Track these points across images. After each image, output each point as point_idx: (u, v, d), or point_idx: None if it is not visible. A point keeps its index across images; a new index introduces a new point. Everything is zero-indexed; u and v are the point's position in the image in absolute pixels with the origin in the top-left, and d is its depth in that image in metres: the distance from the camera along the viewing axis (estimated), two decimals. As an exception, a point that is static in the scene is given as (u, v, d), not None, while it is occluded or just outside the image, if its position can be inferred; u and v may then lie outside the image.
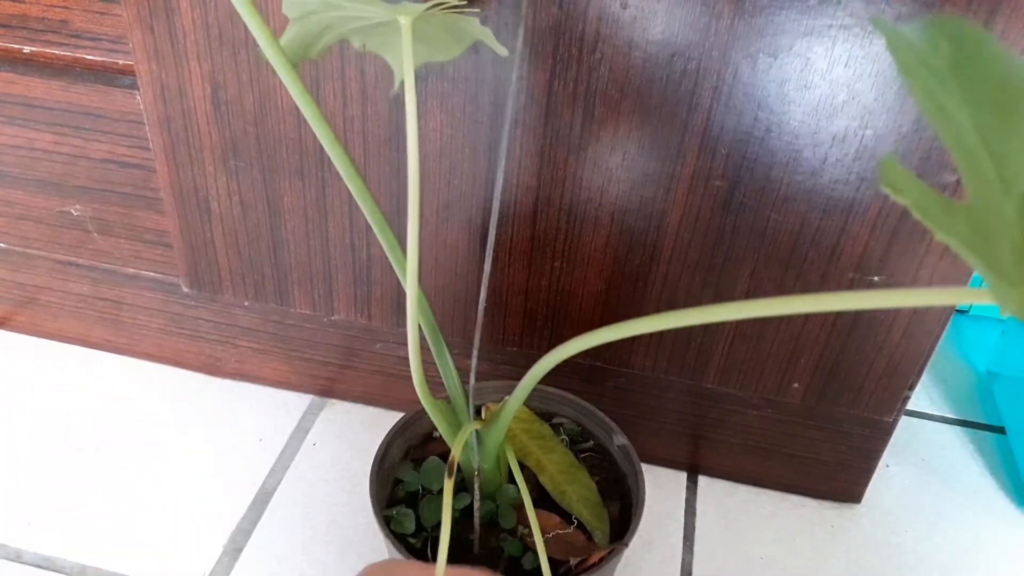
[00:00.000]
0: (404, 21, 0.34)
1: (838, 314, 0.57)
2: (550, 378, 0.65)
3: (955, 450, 0.73)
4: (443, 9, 0.37)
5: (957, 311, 0.86)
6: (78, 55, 0.60)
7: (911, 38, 0.19)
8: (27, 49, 0.61)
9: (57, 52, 0.60)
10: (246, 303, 0.69)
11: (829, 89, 0.48)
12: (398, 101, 0.54)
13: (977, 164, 0.18)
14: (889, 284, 0.54)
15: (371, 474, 0.50)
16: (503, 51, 0.37)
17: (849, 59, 0.46)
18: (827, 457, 0.65)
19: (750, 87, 0.48)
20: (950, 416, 0.77)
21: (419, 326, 0.44)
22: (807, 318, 0.57)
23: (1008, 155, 0.18)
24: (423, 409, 0.48)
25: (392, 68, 0.39)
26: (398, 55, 0.35)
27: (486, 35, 0.35)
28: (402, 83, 0.35)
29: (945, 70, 0.19)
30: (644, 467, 0.69)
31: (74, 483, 0.66)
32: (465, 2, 0.43)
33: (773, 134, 0.50)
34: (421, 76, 0.53)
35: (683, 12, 0.47)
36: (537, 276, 0.60)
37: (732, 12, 0.46)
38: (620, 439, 0.55)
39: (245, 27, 0.53)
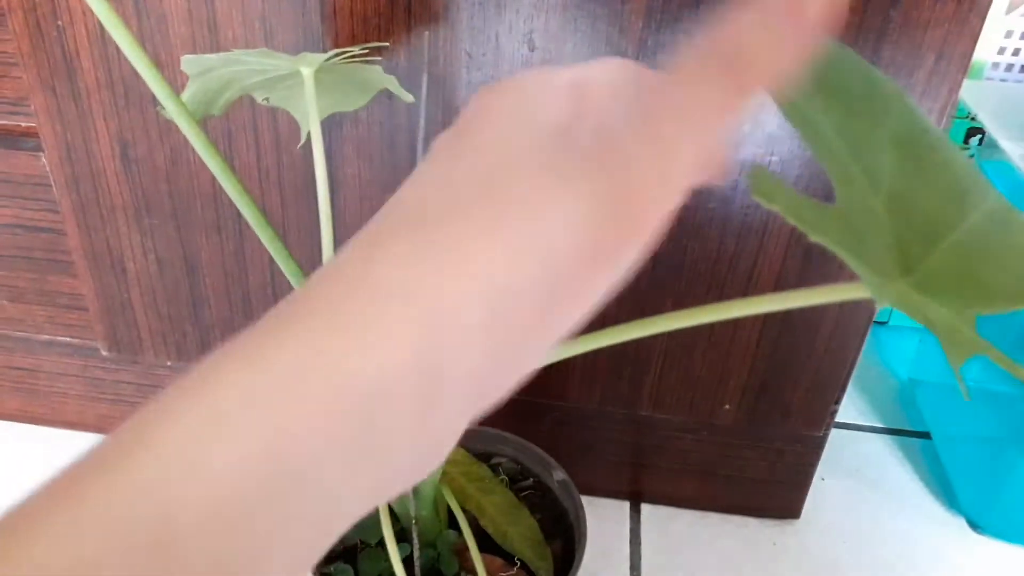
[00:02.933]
0: (306, 72, 0.34)
1: (761, 334, 0.58)
2: (486, 417, 0.65)
3: (885, 458, 0.75)
4: (346, 59, 0.37)
5: (876, 322, 0.89)
6: (-23, 119, 0.58)
7: None
8: (-78, 115, 0.59)
9: (-46, 117, 0.58)
10: (169, 363, 0.67)
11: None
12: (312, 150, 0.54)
13: (845, 168, 0.19)
14: (807, 302, 0.56)
15: (306, 531, 0.49)
16: (409, 98, 0.37)
17: (750, 89, 0.48)
18: (764, 475, 0.66)
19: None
20: (878, 425, 0.79)
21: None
22: (733, 339, 0.58)
23: (871, 157, 0.19)
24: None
25: (299, 120, 0.39)
26: (302, 107, 0.35)
27: (390, 83, 0.35)
28: (309, 134, 0.35)
29: (808, 83, 0.20)
30: (586, 500, 0.69)
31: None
32: (367, 51, 0.43)
33: (684, 164, 0.51)
34: (335, 123, 0.52)
35: (589, 52, 0.48)
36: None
37: (636, 51, 0.48)
38: (560, 474, 0.55)
39: (152, 83, 0.53)
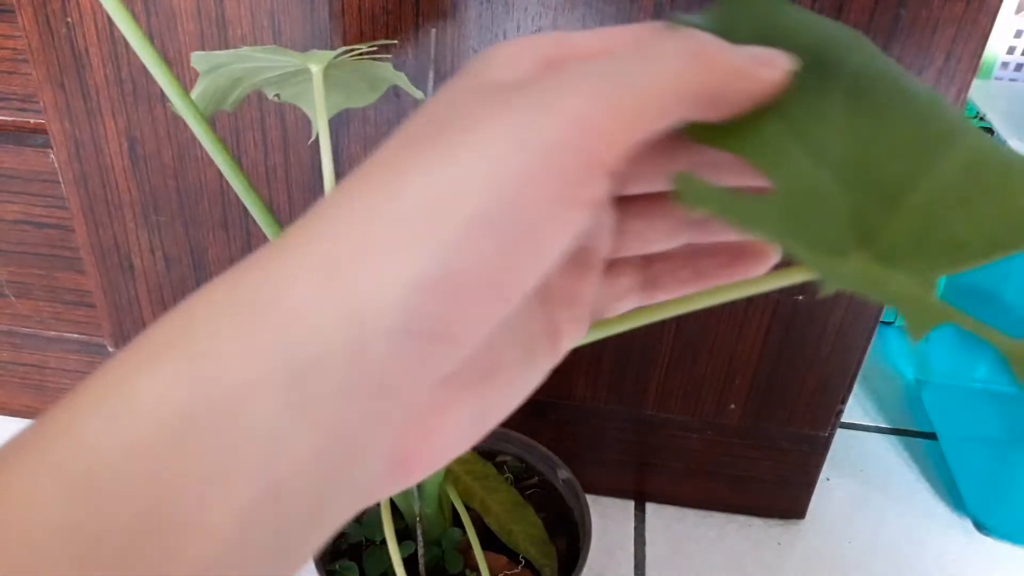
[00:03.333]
0: (315, 69, 0.34)
1: (767, 334, 0.58)
2: (492, 416, 0.65)
3: (891, 458, 0.75)
4: (354, 56, 0.37)
5: (883, 323, 0.89)
6: (-14, 115, 0.58)
7: (705, 25, 0.19)
8: (-69, 111, 0.59)
9: (-36, 113, 0.59)
10: (176, 359, 0.67)
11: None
12: (319, 148, 0.54)
13: (779, 153, 0.17)
14: (811, 302, 0.56)
15: (311, 528, 0.49)
16: (419, 94, 0.37)
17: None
18: (769, 475, 0.66)
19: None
20: (884, 426, 0.79)
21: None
22: (738, 339, 0.58)
23: (817, 127, 0.18)
24: (361, 457, 0.47)
25: (309, 117, 0.39)
26: (312, 103, 0.35)
27: (400, 80, 0.35)
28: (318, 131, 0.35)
29: (753, 41, 0.18)
30: (591, 499, 0.69)
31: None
32: (377, 49, 0.43)
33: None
34: (343, 121, 0.53)
35: (596, 49, 0.48)
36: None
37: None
38: (564, 473, 0.55)
39: (160, 80, 0.53)
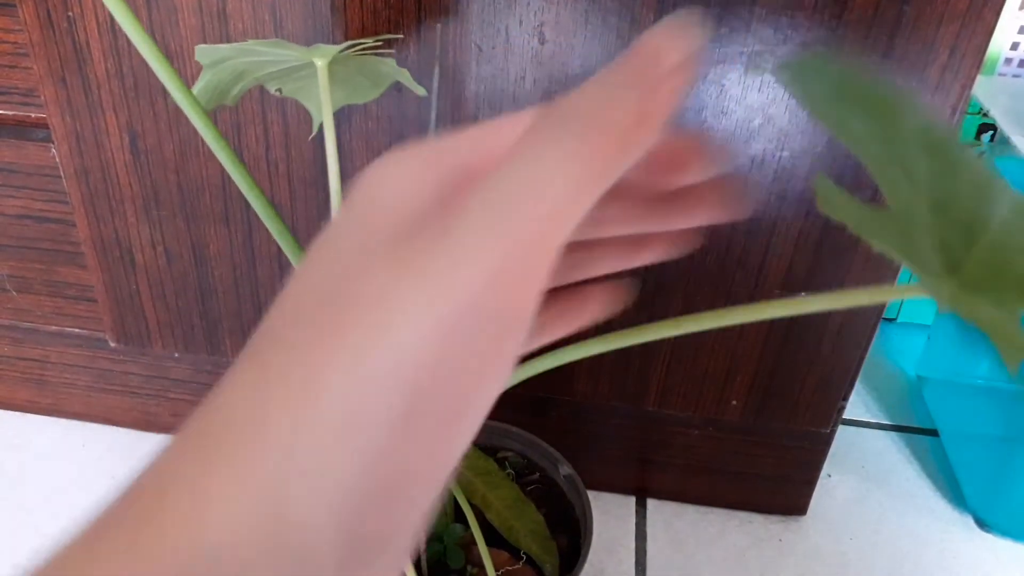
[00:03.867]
0: (320, 63, 0.34)
1: (769, 331, 0.58)
2: (493, 412, 0.64)
3: (892, 455, 0.75)
4: (359, 51, 0.37)
5: (884, 319, 0.89)
6: (-13, 109, 0.58)
7: (799, 72, 0.20)
8: (-68, 105, 0.59)
9: (-36, 107, 0.58)
10: (176, 355, 0.67)
11: (745, 114, 0.49)
12: (322, 142, 0.54)
13: (889, 171, 0.19)
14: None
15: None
16: (421, 91, 0.37)
17: (762, 84, 0.48)
18: (770, 472, 0.66)
19: (669, 116, 0.49)
20: (885, 422, 0.79)
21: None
22: (740, 337, 0.58)
23: (907, 158, 0.19)
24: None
25: (311, 112, 0.39)
26: (315, 99, 0.35)
27: (403, 76, 0.35)
28: (322, 126, 0.35)
29: (831, 95, 0.19)
30: (592, 495, 0.69)
31: (-1, 555, 0.62)
32: (381, 44, 0.43)
33: (694, 159, 0.51)
34: (345, 116, 0.52)
35: (599, 45, 0.48)
36: (473, 310, 0.60)
37: (646, 43, 0.47)
38: (566, 469, 0.55)
39: (161, 75, 0.53)
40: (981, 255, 0.19)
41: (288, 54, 0.34)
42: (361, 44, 0.36)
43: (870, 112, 0.20)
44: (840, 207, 0.17)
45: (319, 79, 0.34)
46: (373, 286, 0.15)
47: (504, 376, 0.16)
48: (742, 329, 0.58)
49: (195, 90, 0.36)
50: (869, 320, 0.56)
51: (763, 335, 0.58)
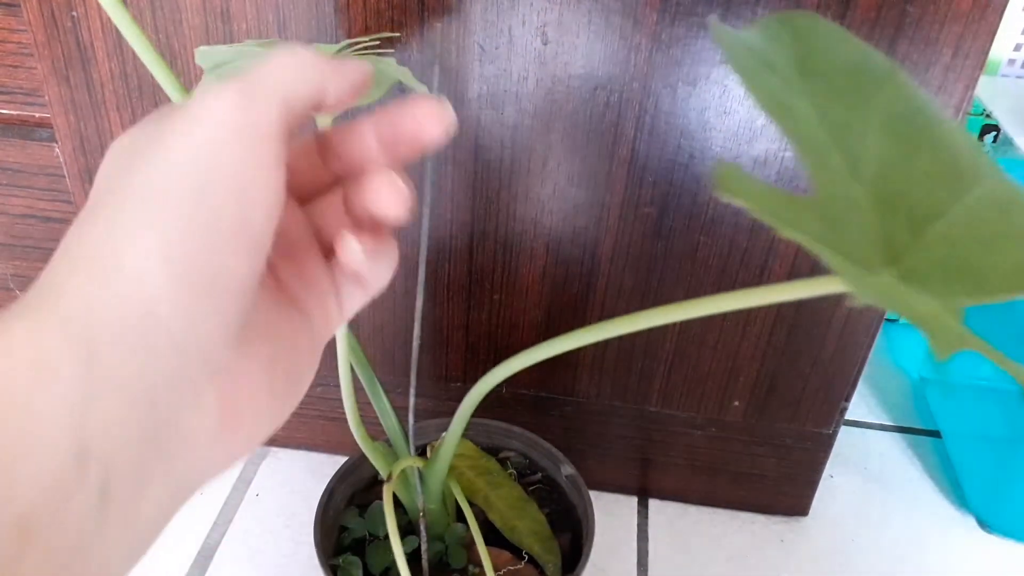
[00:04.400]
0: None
1: (771, 331, 0.58)
2: (495, 412, 0.65)
3: (895, 456, 0.75)
4: (357, 50, 0.37)
5: (887, 320, 0.89)
6: (-9, 109, 0.58)
7: (749, 40, 0.19)
8: (-63, 105, 0.59)
9: (-31, 107, 0.59)
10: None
11: (747, 114, 0.49)
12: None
13: (823, 156, 0.18)
14: (817, 300, 0.55)
15: (315, 523, 0.49)
16: (423, 89, 0.37)
17: (764, 84, 0.48)
18: (772, 472, 0.66)
19: (672, 116, 0.50)
20: (888, 423, 0.79)
21: (351, 367, 0.44)
22: (742, 336, 0.58)
23: (856, 142, 0.18)
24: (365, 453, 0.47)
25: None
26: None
27: (405, 75, 0.35)
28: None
29: (786, 65, 0.19)
30: (594, 494, 0.69)
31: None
32: (379, 43, 0.43)
33: (697, 160, 0.51)
34: (347, 116, 0.52)
35: (602, 46, 0.48)
36: (476, 310, 0.60)
37: (649, 44, 0.47)
38: (568, 469, 0.55)
39: (165, 75, 0.53)
40: (931, 245, 0.18)
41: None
42: (360, 43, 0.36)
43: (830, 84, 0.19)
44: (745, 191, 0.16)
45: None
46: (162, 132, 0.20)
47: (273, 175, 0.20)
48: (744, 329, 0.58)
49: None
50: (871, 320, 0.56)
51: (765, 336, 0.58)
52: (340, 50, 0.35)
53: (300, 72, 0.21)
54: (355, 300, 0.26)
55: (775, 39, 0.19)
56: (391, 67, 0.35)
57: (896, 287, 0.17)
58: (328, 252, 0.25)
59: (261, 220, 0.20)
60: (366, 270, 0.24)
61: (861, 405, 0.80)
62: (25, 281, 0.66)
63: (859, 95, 0.19)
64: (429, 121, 0.23)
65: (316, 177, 0.25)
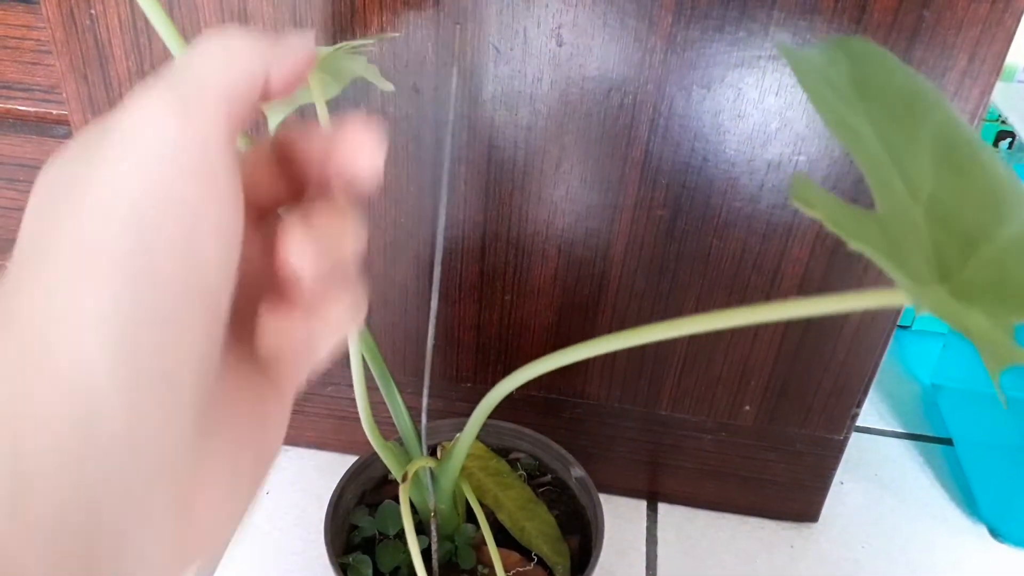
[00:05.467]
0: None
1: (783, 337, 0.58)
2: (506, 413, 0.65)
3: (906, 463, 0.75)
4: (349, 49, 0.37)
5: (900, 327, 0.89)
6: (9, 106, 0.59)
7: (813, 60, 0.20)
8: (-44, 101, 0.60)
9: (-13, 104, 0.59)
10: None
11: (762, 118, 0.49)
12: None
13: (884, 175, 0.19)
14: (831, 304, 0.55)
15: (325, 522, 0.49)
16: (388, 86, 0.37)
17: (780, 88, 0.48)
18: (782, 478, 0.66)
19: (686, 118, 0.50)
20: (899, 430, 0.78)
21: (364, 365, 0.44)
22: (754, 341, 0.58)
23: (911, 163, 0.19)
24: (377, 452, 0.48)
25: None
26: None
27: (370, 72, 0.36)
28: (279, 123, 0.35)
29: (846, 87, 0.19)
30: (603, 497, 0.69)
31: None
32: (372, 42, 0.43)
33: (710, 163, 0.51)
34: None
35: (617, 48, 0.48)
36: (488, 310, 0.60)
37: (664, 47, 0.47)
38: (578, 471, 0.55)
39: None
40: (980, 266, 0.19)
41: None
42: (348, 45, 0.36)
43: (885, 108, 0.20)
44: (817, 202, 0.17)
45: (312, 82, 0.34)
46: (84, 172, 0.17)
47: (225, 197, 0.17)
48: (756, 334, 0.58)
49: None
50: (884, 327, 0.56)
51: (777, 340, 0.58)
52: (334, 51, 0.36)
53: (238, 60, 0.18)
54: (326, 341, 0.21)
55: (833, 61, 0.20)
56: (356, 63, 0.35)
57: (951, 303, 0.18)
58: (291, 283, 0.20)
59: (218, 265, 0.17)
60: (320, 285, 0.20)
61: (872, 411, 0.80)
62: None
63: (912, 119, 0.20)
64: (360, 152, 0.19)
65: (273, 190, 0.21)
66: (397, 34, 0.49)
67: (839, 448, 0.63)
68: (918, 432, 0.78)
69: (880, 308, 0.55)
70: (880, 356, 0.57)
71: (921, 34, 0.45)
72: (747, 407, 0.61)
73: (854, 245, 0.17)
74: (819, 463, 0.64)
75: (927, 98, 0.21)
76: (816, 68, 0.20)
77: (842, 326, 0.56)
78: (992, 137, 0.78)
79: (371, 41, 0.40)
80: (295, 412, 0.70)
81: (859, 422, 0.77)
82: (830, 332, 0.57)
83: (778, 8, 0.45)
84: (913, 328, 0.89)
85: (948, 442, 0.77)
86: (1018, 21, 0.44)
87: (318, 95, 0.33)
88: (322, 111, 0.33)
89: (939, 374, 0.82)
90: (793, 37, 0.46)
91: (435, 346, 0.62)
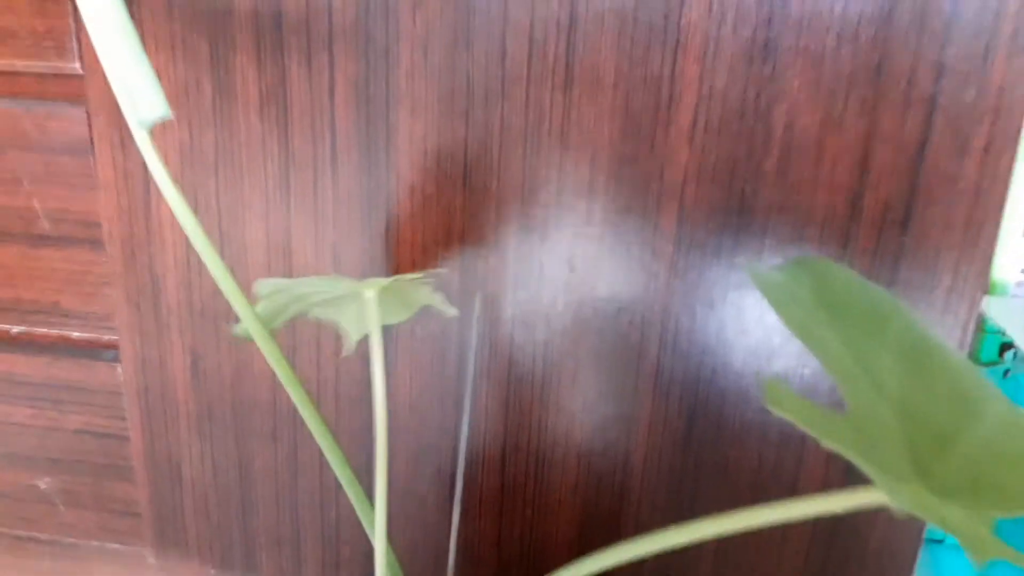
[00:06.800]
0: (370, 293, 0.38)
1: (806, 559, 0.57)
2: (528, 636, 0.62)
3: None
4: (414, 281, 0.41)
5: (932, 541, 0.86)
6: (65, 333, 0.64)
7: (778, 279, 0.22)
8: (15, 330, 0.65)
9: (45, 331, 0.64)
10: (212, 571, 0.67)
11: (764, 333, 0.52)
12: (368, 361, 0.58)
13: (852, 378, 0.20)
14: (853, 518, 0.55)
15: None
16: (452, 311, 0.40)
17: (778, 306, 0.51)
18: None
19: (692, 334, 0.53)
20: (947, 655, 0.73)
21: (389, 585, 0.44)
22: (779, 557, 0.57)
23: (877, 365, 0.21)
24: (394, 677, 0.46)
25: (350, 333, 0.43)
26: (351, 321, 0.39)
27: (434, 300, 0.39)
28: (357, 343, 0.38)
29: (809, 300, 0.22)
30: None
31: None
32: (436, 273, 0.47)
33: (720, 375, 0.53)
34: (391, 337, 0.56)
35: (624, 273, 0.52)
36: (509, 526, 0.60)
37: (667, 272, 0.52)
38: None
39: (225, 301, 0.58)
40: (956, 463, 0.20)
41: (339, 285, 0.39)
42: (407, 277, 0.40)
43: (848, 317, 0.22)
44: (790, 407, 0.19)
45: (369, 308, 0.38)
46: None
47: None
48: (781, 550, 0.57)
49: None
50: (909, 543, 0.55)
51: (803, 555, 0.57)
52: (393, 282, 0.40)
53: None
54: None
55: (796, 279, 0.23)
56: (422, 293, 0.39)
57: (929, 498, 0.19)
58: None
59: None
60: None
61: (916, 634, 0.76)
62: (69, 496, 0.68)
63: (873, 326, 0.22)
64: None
65: None
66: (443, 270, 0.53)
67: (882, 674, 0.60)
68: (968, 657, 0.73)
69: (902, 520, 0.54)
70: (910, 572, 0.56)
71: (904, 257, 0.49)
72: (779, 628, 0.59)
73: (826, 444, 0.18)
74: None
75: (886, 306, 0.23)
76: (781, 286, 0.22)
77: (866, 544, 0.56)
78: (996, 348, 0.80)
79: (434, 272, 0.44)
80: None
81: (903, 646, 0.72)
82: (855, 548, 0.56)
83: (769, 236, 0.50)
84: (947, 543, 0.86)
85: (1002, 668, 0.72)
86: (994, 242, 0.48)
87: (374, 324, 0.36)
88: (377, 337, 0.37)
89: (981, 591, 0.78)
90: (783, 261, 0.50)
91: (456, 562, 0.62)
